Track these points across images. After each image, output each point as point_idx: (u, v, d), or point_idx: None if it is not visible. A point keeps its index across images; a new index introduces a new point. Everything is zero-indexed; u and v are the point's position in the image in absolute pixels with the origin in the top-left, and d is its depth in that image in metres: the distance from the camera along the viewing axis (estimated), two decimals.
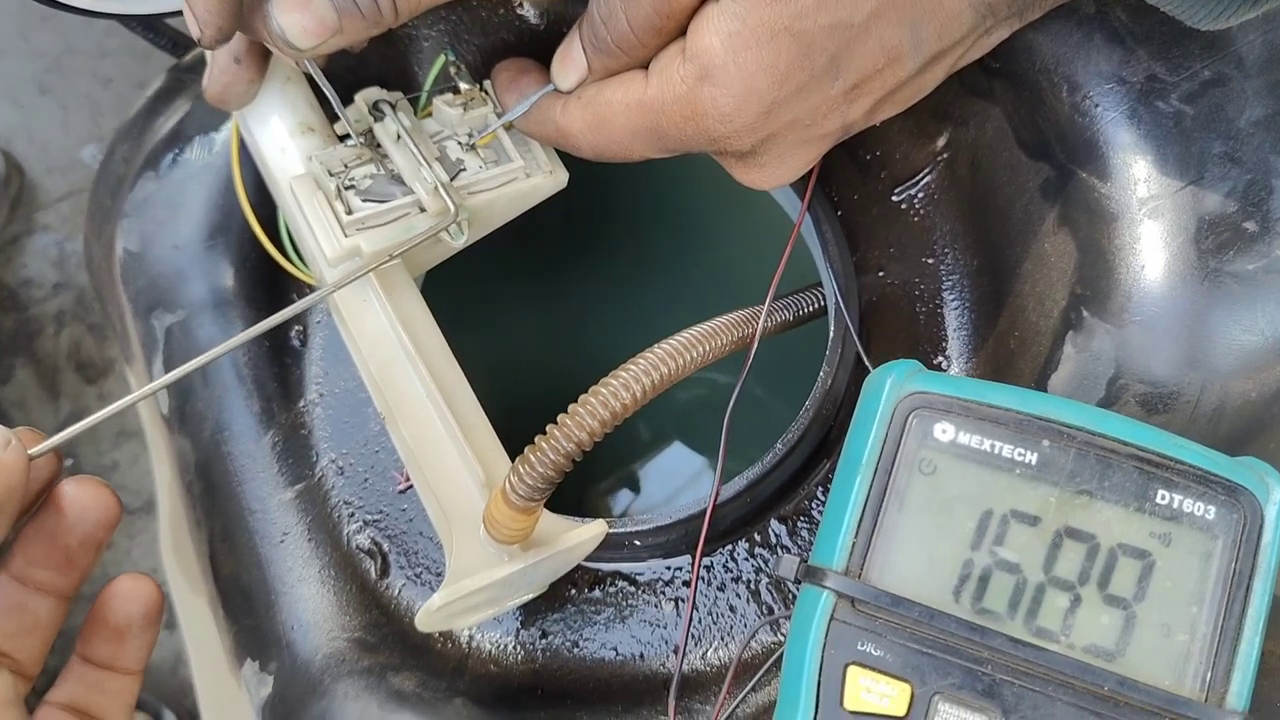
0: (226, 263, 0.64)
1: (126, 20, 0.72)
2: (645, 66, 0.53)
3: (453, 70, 0.59)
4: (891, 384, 0.45)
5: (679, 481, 0.85)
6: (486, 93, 0.60)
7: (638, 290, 0.86)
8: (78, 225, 1.25)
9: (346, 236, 0.55)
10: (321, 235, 0.55)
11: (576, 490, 0.87)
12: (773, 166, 0.53)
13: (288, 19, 0.51)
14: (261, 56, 0.57)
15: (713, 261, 0.85)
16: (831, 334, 0.57)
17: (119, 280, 0.66)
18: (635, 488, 0.85)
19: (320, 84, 0.55)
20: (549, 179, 0.59)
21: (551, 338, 0.86)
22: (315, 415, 0.64)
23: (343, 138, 0.58)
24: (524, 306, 0.84)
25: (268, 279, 0.65)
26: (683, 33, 0.51)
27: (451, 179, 0.57)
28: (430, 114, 0.60)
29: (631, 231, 0.85)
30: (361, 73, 0.68)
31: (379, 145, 0.57)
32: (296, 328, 0.66)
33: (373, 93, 0.58)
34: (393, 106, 0.57)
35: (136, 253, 0.65)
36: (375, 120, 0.57)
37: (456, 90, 0.59)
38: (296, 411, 0.64)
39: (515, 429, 0.61)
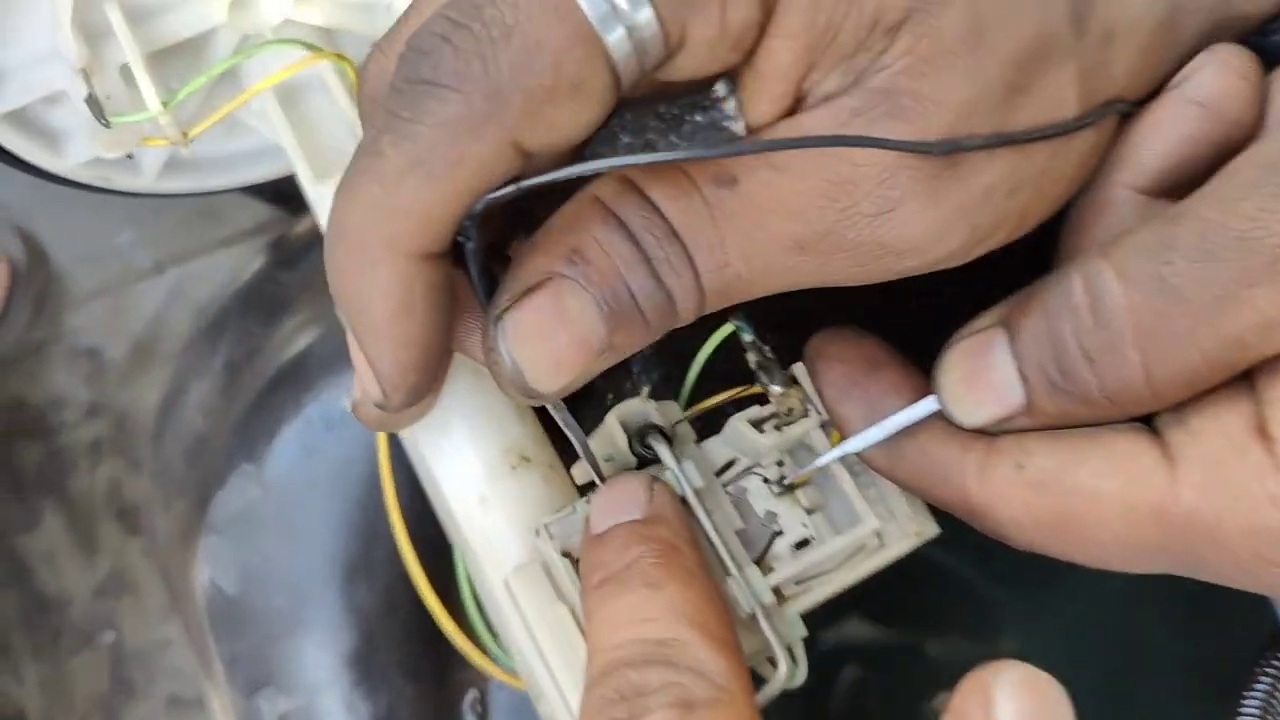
0: (368, 619, 0.42)
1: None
2: (1142, 419, 0.30)
3: (753, 361, 0.36)
4: None
5: None
6: (799, 386, 0.37)
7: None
8: (115, 329, 1.03)
9: None
10: (569, 685, 0.32)
11: None
12: None
13: (531, 353, 0.28)
14: (445, 351, 0.35)
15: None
16: None
17: (204, 626, 0.44)
18: None
19: (560, 420, 0.32)
20: (910, 540, 0.36)
21: None
22: None
23: (584, 488, 0.35)
24: None
25: (430, 642, 0.43)
26: (1241, 377, 0.29)
27: (762, 554, 0.35)
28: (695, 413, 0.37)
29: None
30: None
31: None
32: (473, 693, 0.44)
33: (635, 410, 0.35)
34: (668, 438, 0.34)
35: (233, 596, 0.43)
36: (640, 461, 0.35)
37: (766, 385, 0.36)
38: None
39: None
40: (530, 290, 0.29)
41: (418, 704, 0.42)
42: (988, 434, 0.33)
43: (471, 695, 0.44)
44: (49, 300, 1.07)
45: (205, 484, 0.45)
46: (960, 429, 0.33)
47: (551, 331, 0.29)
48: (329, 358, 0.45)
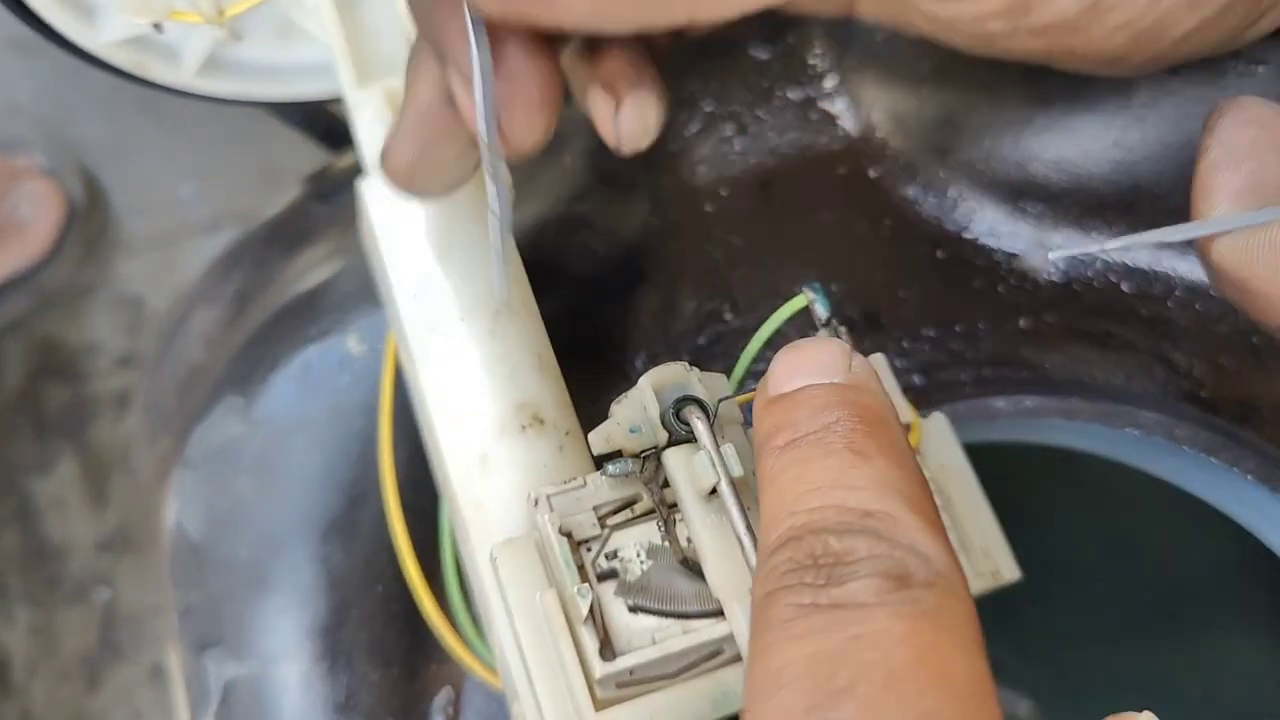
0: (342, 588, 0.37)
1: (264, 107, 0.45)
2: None
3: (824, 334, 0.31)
4: None
5: None
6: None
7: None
8: (163, 282, 1.00)
9: (597, 708, 0.26)
10: (544, 695, 0.27)
11: None
12: None
13: None
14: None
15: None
16: None
17: (165, 569, 0.39)
18: None
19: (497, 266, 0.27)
20: (983, 581, 0.30)
21: None
22: None
23: (602, 459, 0.29)
24: None
25: (406, 626, 0.37)
26: None
27: None
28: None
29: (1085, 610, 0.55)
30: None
31: (664, 487, 0.29)
32: (447, 692, 0.38)
33: (673, 377, 0.29)
34: (707, 412, 0.29)
35: (196, 541, 0.38)
36: (671, 437, 0.29)
37: None
38: None
39: None
40: None
41: (382, 693, 0.37)
42: None
43: (445, 695, 0.38)
44: (102, 244, 1.05)
45: (191, 417, 0.40)
46: None
47: None
48: (344, 295, 0.40)
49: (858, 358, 0.27)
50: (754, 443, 0.26)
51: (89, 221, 1.02)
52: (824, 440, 0.25)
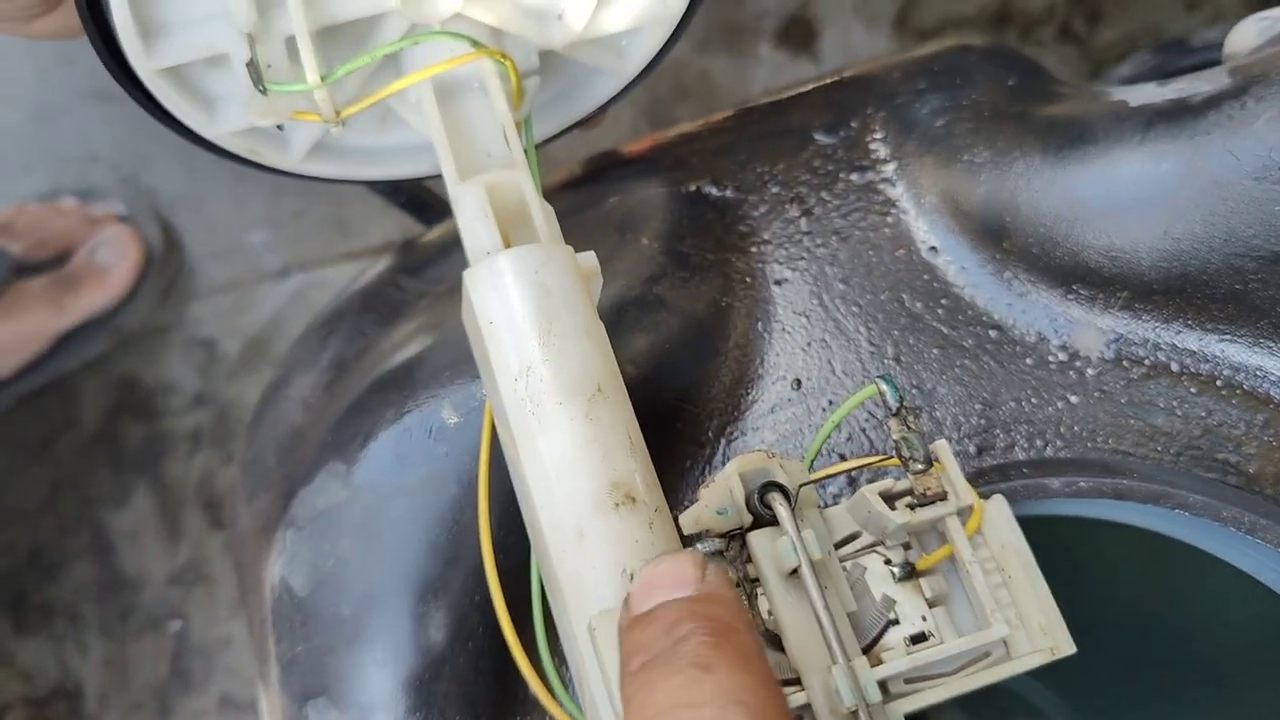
0: (436, 644, 0.40)
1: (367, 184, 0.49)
2: None
3: (895, 430, 0.33)
4: None
5: None
6: (940, 464, 0.34)
7: None
8: (234, 326, 1.04)
9: None
10: None
11: None
12: None
13: None
14: None
15: None
16: None
17: (268, 623, 0.42)
18: None
19: None
20: (1040, 656, 0.33)
21: None
22: None
23: (691, 539, 0.32)
24: None
25: (496, 683, 0.40)
26: None
27: (873, 642, 0.31)
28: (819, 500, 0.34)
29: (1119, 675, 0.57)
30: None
31: (748, 563, 0.32)
32: None
33: (756, 464, 0.32)
34: (789, 498, 0.32)
35: (301, 597, 0.41)
36: (754, 519, 0.32)
37: (906, 459, 0.33)
38: None
39: None
40: None
41: None
42: None
43: None
44: (177, 288, 1.09)
45: (293, 478, 0.44)
46: None
47: None
48: (438, 368, 0.43)
49: (711, 566, 0.28)
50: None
51: (165, 266, 1.07)
52: (671, 659, 0.26)
